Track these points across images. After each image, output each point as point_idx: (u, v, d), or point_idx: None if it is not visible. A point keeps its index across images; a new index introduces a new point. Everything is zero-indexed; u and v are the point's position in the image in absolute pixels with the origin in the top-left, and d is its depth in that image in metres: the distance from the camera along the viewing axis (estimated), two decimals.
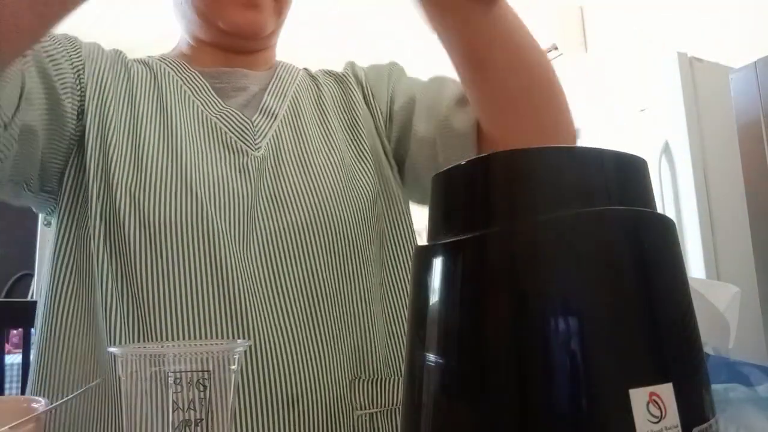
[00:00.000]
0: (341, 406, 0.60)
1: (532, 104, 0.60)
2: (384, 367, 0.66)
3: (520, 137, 0.61)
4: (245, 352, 0.56)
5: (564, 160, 0.32)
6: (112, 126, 0.63)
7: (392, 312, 0.69)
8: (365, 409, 0.61)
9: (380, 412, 0.62)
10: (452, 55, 0.59)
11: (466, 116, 0.67)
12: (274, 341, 0.58)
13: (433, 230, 0.36)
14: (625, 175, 0.32)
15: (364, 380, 0.63)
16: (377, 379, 0.63)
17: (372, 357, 0.65)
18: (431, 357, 0.32)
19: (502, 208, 0.32)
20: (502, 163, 0.33)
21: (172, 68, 0.71)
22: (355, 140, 0.74)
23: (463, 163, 0.34)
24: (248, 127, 0.68)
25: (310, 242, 0.63)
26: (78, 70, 0.65)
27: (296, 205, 0.64)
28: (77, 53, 0.66)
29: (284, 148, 0.68)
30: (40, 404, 0.42)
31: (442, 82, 0.74)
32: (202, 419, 0.38)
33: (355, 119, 0.75)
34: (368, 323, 0.66)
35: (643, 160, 0.34)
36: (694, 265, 1.96)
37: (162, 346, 0.42)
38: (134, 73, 0.69)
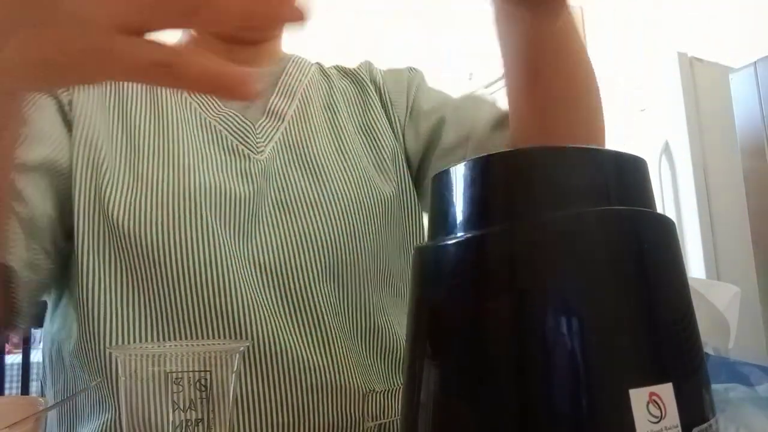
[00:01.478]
0: (351, 417, 0.59)
1: (580, 115, 0.61)
2: (400, 377, 0.65)
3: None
4: (249, 357, 0.56)
5: (564, 160, 0.32)
6: (99, 140, 0.60)
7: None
8: (376, 420, 0.61)
9: (389, 422, 0.62)
10: (510, 61, 0.60)
11: (503, 141, 0.66)
12: (280, 348, 0.57)
13: (433, 230, 0.36)
14: (625, 175, 0.32)
15: (377, 392, 0.62)
16: (390, 391, 0.63)
17: (387, 369, 0.64)
18: (431, 357, 0.32)
19: (502, 208, 0.32)
20: (502, 163, 0.33)
21: None
22: (373, 144, 0.71)
23: (463, 163, 0.34)
24: (249, 129, 0.65)
25: (316, 251, 0.61)
26: (66, 107, 0.62)
27: (304, 213, 0.62)
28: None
29: (292, 152, 0.66)
30: (40, 404, 0.42)
31: (477, 102, 0.73)
32: (202, 419, 0.38)
33: (372, 123, 0.73)
34: (379, 335, 0.65)
35: (643, 160, 0.34)
36: (694, 265, 1.96)
37: (162, 346, 0.42)
38: None
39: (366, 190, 0.66)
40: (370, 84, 0.77)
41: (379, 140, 0.72)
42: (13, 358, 2.17)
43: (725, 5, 2.40)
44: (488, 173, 0.33)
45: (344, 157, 0.68)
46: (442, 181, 0.35)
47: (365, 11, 3.12)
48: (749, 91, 1.87)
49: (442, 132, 0.72)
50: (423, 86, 0.78)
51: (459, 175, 0.34)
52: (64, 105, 0.62)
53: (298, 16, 0.29)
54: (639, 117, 2.17)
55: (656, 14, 2.67)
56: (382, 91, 0.76)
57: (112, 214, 0.57)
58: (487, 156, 0.33)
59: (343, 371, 0.59)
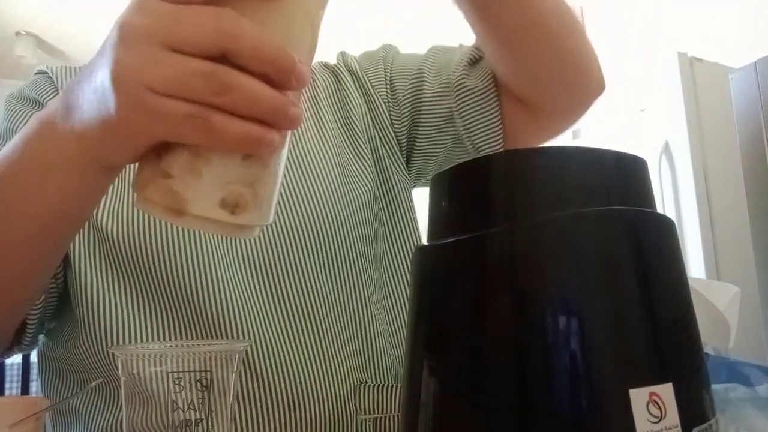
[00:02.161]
0: (344, 410, 0.59)
1: (565, 69, 0.61)
2: (391, 371, 0.65)
3: (555, 99, 0.63)
4: (244, 356, 0.56)
5: (564, 160, 0.32)
6: None
7: (396, 314, 0.69)
8: (369, 413, 0.61)
9: (385, 417, 0.62)
10: (482, 27, 0.60)
11: (481, 73, 0.67)
12: (271, 345, 0.57)
13: (433, 230, 0.36)
14: (625, 175, 0.32)
15: (370, 385, 0.62)
16: (384, 386, 0.63)
17: (377, 361, 0.64)
18: (431, 357, 0.32)
19: (502, 208, 0.32)
20: (502, 163, 0.33)
21: None
22: (351, 135, 0.71)
23: (463, 163, 0.34)
24: None
25: (305, 245, 0.61)
26: None
27: (289, 207, 0.62)
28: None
29: None
30: (40, 404, 0.42)
31: (446, 48, 0.73)
32: (202, 419, 0.38)
33: (349, 113, 0.72)
34: (371, 326, 0.65)
35: (643, 160, 0.34)
36: (694, 265, 1.96)
37: (162, 346, 0.42)
38: None
39: (347, 183, 0.66)
40: (346, 73, 0.76)
41: (355, 129, 0.71)
42: (13, 358, 2.17)
43: (725, 5, 2.40)
44: (488, 173, 0.33)
45: (326, 150, 0.68)
46: (442, 181, 0.35)
47: (367, 11, 3.13)
48: (749, 91, 1.87)
49: (423, 85, 0.71)
50: (398, 56, 0.77)
51: (459, 175, 0.34)
52: None
53: (294, 125, 0.33)
54: (639, 117, 2.17)
55: (656, 14, 2.67)
56: (360, 76, 0.75)
57: (100, 220, 0.57)
58: (487, 156, 0.33)
59: (333, 365, 0.59)
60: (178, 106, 0.31)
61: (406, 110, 0.72)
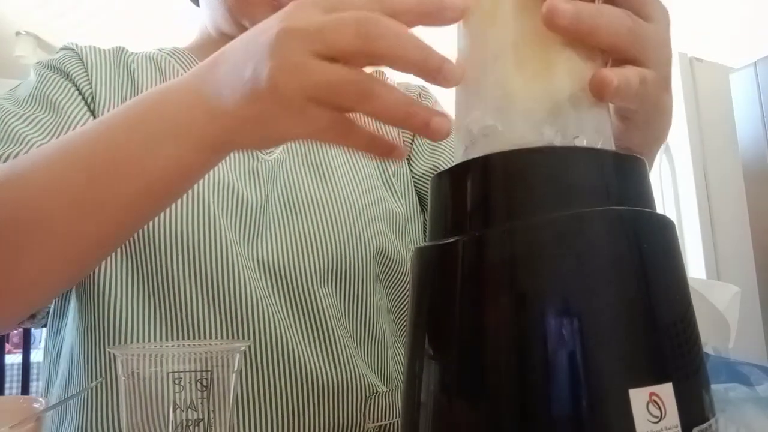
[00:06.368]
0: (352, 419, 0.59)
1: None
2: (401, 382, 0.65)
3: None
4: (253, 357, 0.56)
5: (564, 160, 0.32)
6: None
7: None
8: (378, 421, 0.61)
9: (390, 423, 0.62)
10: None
11: None
12: (285, 347, 0.57)
13: (433, 230, 0.36)
14: (625, 175, 0.32)
15: (380, 394, 0.62)
16: (391, 391, 0.63)
17: (391, 373, 0.64)
18: (431, 357, 0.32)
19: (501, 208, 0.32)
20: (502, 163, 0.33)
21: (181, 66, 0.68)
22: (381, 164, 0.72)
23: (463, 163, 0.34)
24: None
25: (325, 254, 0.61)
26: (89, 102, 0.63)
27: (310, 214, 0.62)
28: (84, 77, 0.64)
29: (300, 155, 0.66)
30: (40, 404, 0.42)
31: None
32: (202, 419, 0.38)
33: None
34: (387, 340, 0.65)
35: (643, 160, 0.34)
36: (694, 265, 1.96)
37: (162, 346, 0.42)
38: (139, 75, 0.66)
39: (372, 197, 0.66)
40: None
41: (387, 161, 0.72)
42: (13, 358, 2.17)
43: (725, 5, 2.40)
44: (488, 173, 0.33)
45: (352, 164, 0.68)
46: (442, 180, 0.35)
47: None
48: (749, 91, 1.87)
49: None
50: None
51: (459, 174, 0.34)
52: (86, 97, 0.63)
53: (437, 134, 0.35)
54: None
55: None
56: None
57: None
58: (487, 156, 0.33)
59: (346, 373, 0.59)
60: (323, 113, 0.35)
61: (421, 178, 0.75)
